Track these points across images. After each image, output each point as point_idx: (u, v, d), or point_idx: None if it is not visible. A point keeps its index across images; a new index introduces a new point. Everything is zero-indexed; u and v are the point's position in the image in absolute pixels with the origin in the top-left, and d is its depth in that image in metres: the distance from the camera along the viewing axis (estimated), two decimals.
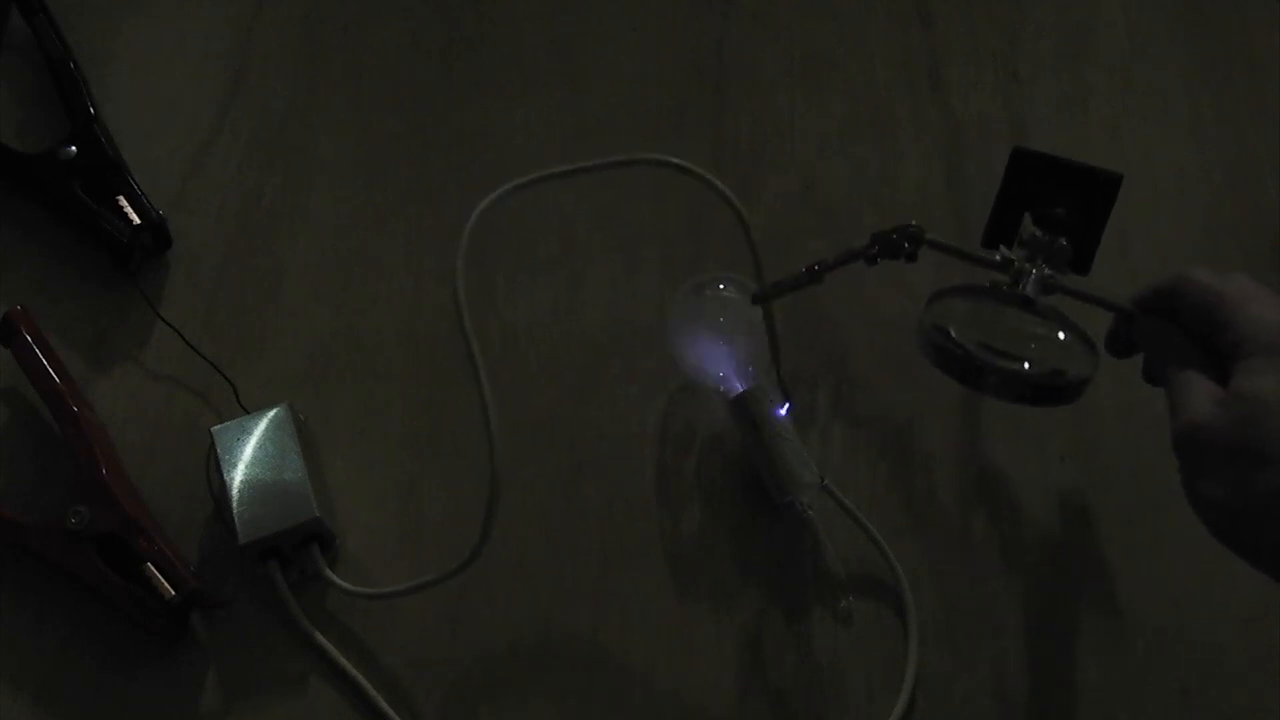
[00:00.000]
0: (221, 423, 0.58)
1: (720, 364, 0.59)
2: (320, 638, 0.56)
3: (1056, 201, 0.51)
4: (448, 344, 0.64)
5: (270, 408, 0.58)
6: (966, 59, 0.72)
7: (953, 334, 0.49)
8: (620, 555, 0.58)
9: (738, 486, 0.60)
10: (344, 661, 0.55)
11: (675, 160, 0.56)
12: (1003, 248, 0.51)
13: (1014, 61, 0.72)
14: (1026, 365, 0.48)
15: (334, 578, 0.55)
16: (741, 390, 0.58)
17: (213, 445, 0.57)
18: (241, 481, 0.55)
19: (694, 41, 0.73)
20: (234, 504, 0.55)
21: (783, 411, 0.58)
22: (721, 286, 0.60)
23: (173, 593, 0.54)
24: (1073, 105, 0.70)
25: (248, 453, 0.56)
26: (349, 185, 0.68)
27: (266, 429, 0.57)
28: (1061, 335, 0.49)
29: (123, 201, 0.64)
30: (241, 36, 0.73)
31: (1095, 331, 0.50)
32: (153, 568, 0.54)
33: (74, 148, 0.65)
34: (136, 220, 0.63)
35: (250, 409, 0.60)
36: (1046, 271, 0.49)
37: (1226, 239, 0.66)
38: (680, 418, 0.61)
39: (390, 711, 0.54)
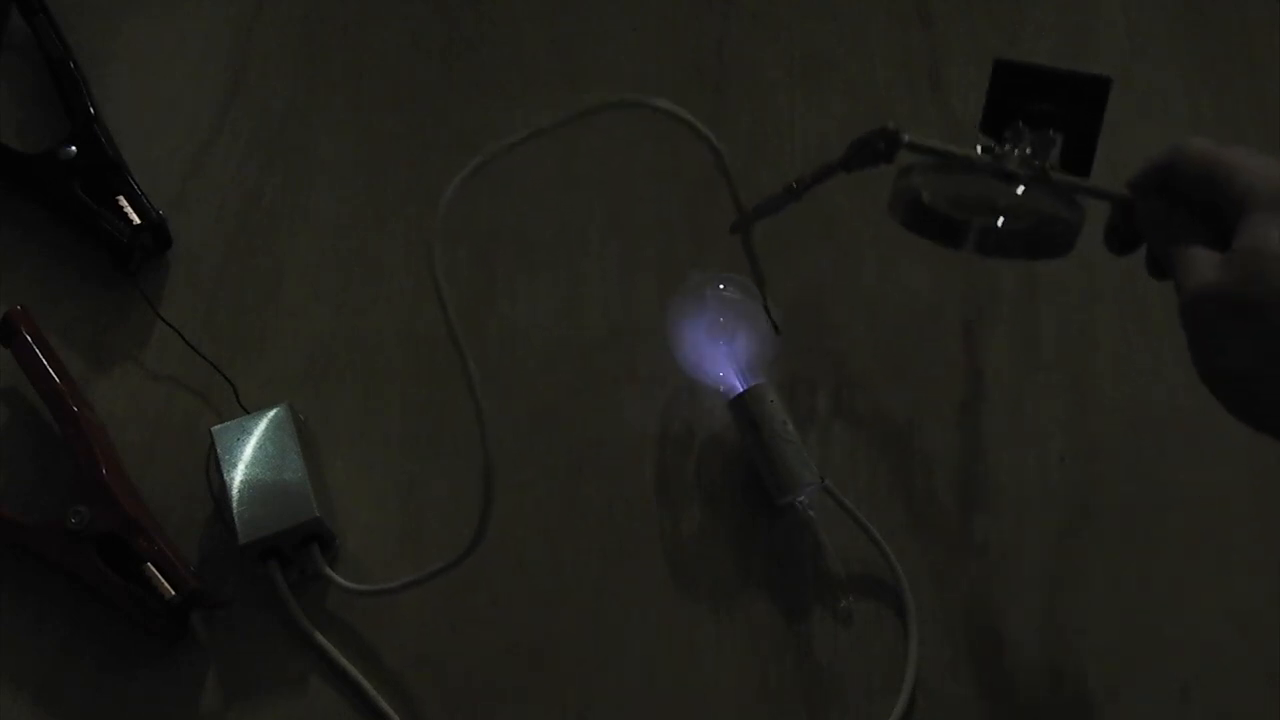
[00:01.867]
0: (221, 423, 0.58)
1: (720, 364, 0.59)
2: (320, 637, 0.56)
3: (1045, 107, 0.48)
4: (448, 344, 0.63)
5: (270, 408, 0.58)
6: (966, 59, 0.72)
7: (924, 198, 0.47)
8: (620, 555, 0.58)
9: (738, 486, 0.60)
10: (344, 661, 0.55)
11: (649, 101, 0.54)
12: (984, 137, 0.49)
13: None
14: (1005, 218, 0.45)
15: (334, 575, 0.55)
16: (741, 390, 0.58)
17: (213, 445, 0.57)
18: (241, 481, 0.55)
19: (694, 41, 0.73)
20: (234, 504, 0.55)
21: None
22: (721, 286, 0.60)
23: (173, 593, 0.54)
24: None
25: (248, 453, 0.56)
26: (349, 185, 0.68)
27: (266, 429, 0.57)
28: (1042, 194, 0.46)
29: (123, 201, 0.64)
30: (241, 36, 0.73)
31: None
32: (153, 568, 0.54)
33: (74, 148, 0.65)
34: (136, 220, 0.63)
35: (250, 409, 0.60)
36: (1030, 153, 0.46)
37: None
38: (680, 418, 0.61)
39: (390, 711, 0.54)
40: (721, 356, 0.59)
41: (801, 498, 0.57)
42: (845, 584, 0.57)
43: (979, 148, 0.48)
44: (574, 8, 0.74)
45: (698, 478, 0.60)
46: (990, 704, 0.55)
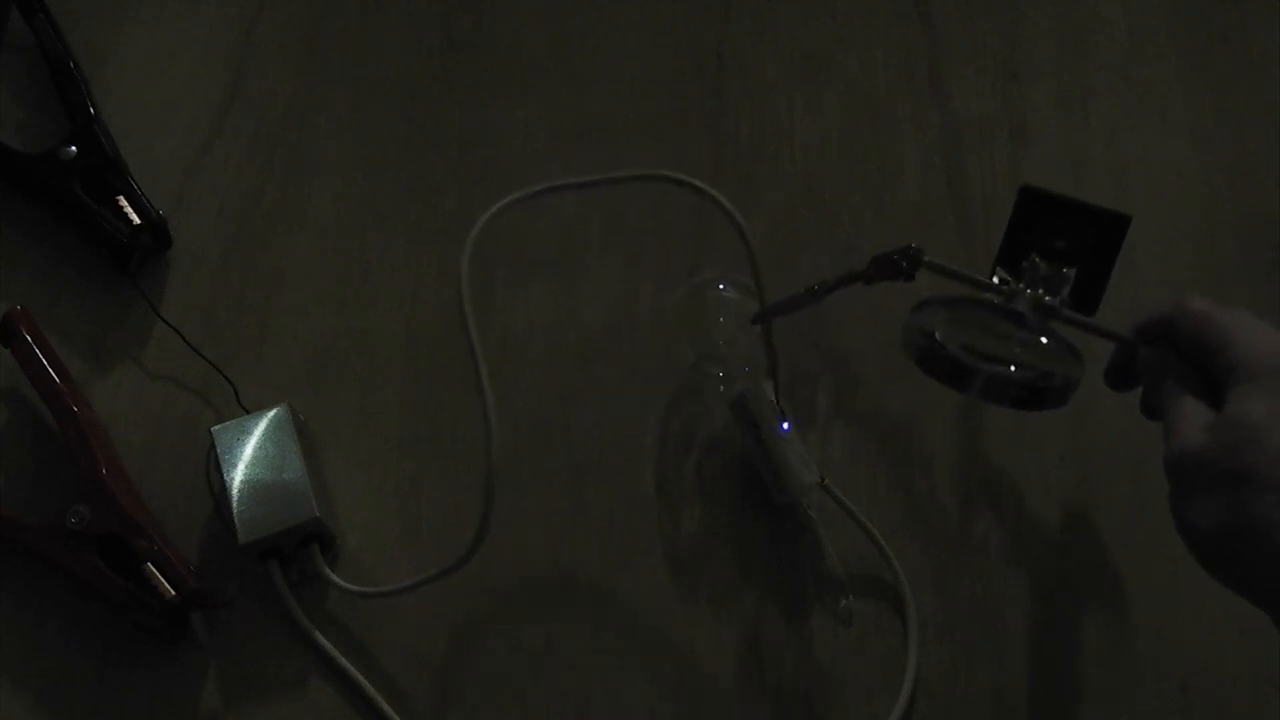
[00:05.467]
0: (221, 423, 0.58)
1: (720, 364, 0.59)
2: (320, 637, 0.56)
3: (1063, 239, 0.51)
4: (448, 344, 0.64)
5: (270, 408, 0.58)
6: (966, 59, 0.72)
7: (937, 336, 0.49)
8: (620, 555, 0.58)
9: (738, 486, 0.60)
10: (344, 661, 0.55)
11: (684, 178, 0.56)
12: (1001, 270, 0.51)
13: (1014, 61, 0.72)
14: (1013, 368, 0.48)
15: (334, 577, 0.55)
16: (741, 390, 0.58)
17: (213, 445, 0.57)
18: (241, 481, 0.55)
19: (694, 41, 0.73)
20: (234, 504, 0.55)
21: (784, 427, 0.57)
22: (721, 287, 0.60)
23: (173, 593, 0.54)
24: (1073, 105, 0.70)
25: (248, 453, 0.56)
26: (349, 185, 0.68)
27: (266, 429, 0.57)
28: (1045, 341, 0.48)
29: (123, 201, 0.64)
30: (241, 36, 0.73)
31: (1097, 363, 0.50)
32: (153, 568, 0.54)
33: (74, 148, 0.65)
34: (136, 220, 0.64)
35: (250, 409, 0.60)
36: (1043, 294, 0.49)
37: (1226, 240, 0.66)
38: (680, 418, 0.61)
39: (390, 711, 0.54)
40: (721, 356, 0.59)
41: (801, 498, 0.57)
42: (845, 584, 0.57)
43: (995, 277, 0.51)
44: (574, 8, 0.74)
45: (698, 478, 0.60)
46: (990, 704, 0.55)
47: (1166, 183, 0.67)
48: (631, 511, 0.59)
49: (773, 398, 0.57)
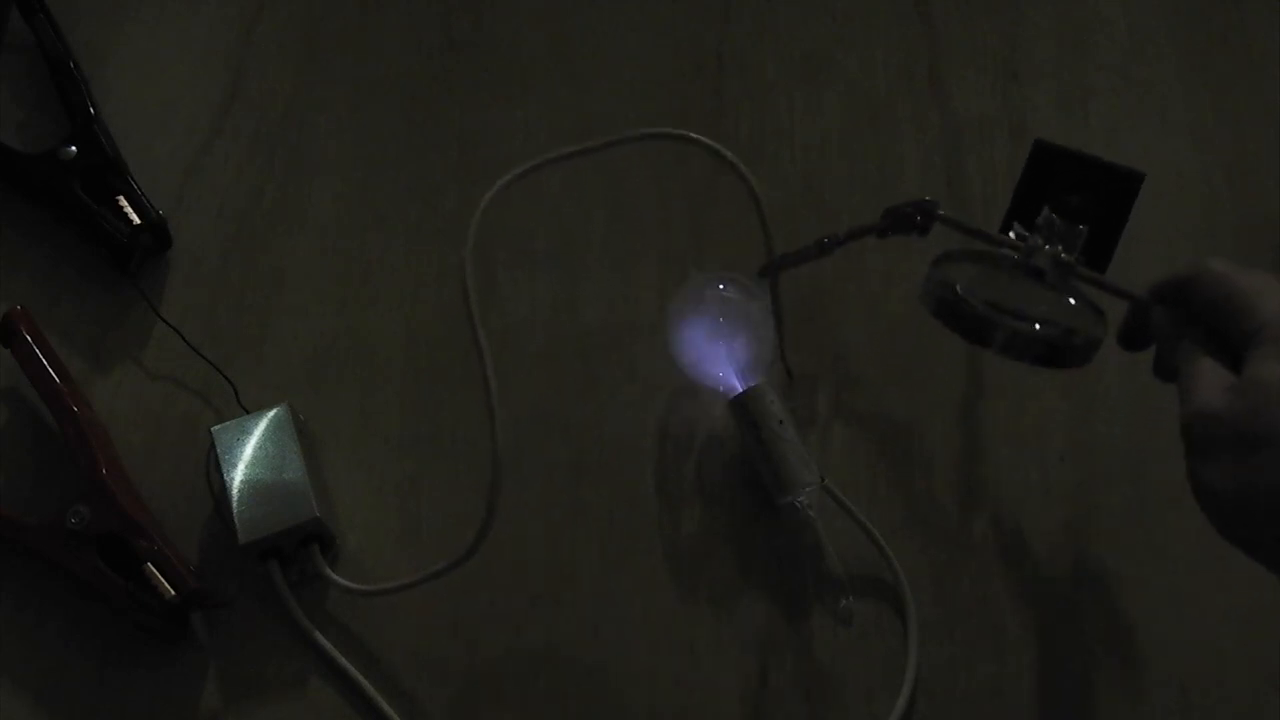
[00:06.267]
0: (221, 423, 0.58)
1: (720, 364, 0.59)
2: (320, 637, 0.56)
3: (1075, 195, 0.50)
4: (448, 344, 0.64)
5: (270, 408, 0.58)
6: (966, 59, 0.72)
7: (959, 289, 0.48)
8: (620, 555, 0.58)
9: (738, 486, 0.60)
10: (344, 661, 0.55)
11: (686, 133, 0.55)
12: (1018, 225, 0.50)
13: (1014, 61, 0.72)
14: (1036, 325, 0.47)
15: (335, 576, 0.55)
16: (741, 390, 0.58)
17: (213, 445, 0.57)
18: (241, 481, 0.55)
19: (694, 41, 0.73)
20: (234, 504, 0.55)
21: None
22: (722, 286, 0.60)
23: (173, 593, 0.54)
24: (1073, 105, 0.70)
25: (248, 453, 0.56)
26: (349, 185, 0.68)
27: (266, 429, 0.57)
28: (1071, 301, 0.47)
29: (123, 201, 0.64)
30: (241, 36, 0.73)
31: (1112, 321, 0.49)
32: (153, 568, 0.54)
33: (74, 148, 0.65)
34: (136, 220, 0.63)
35: (250, 409, 0.60)
36: (1061, 250, 0.48)
37: (1226, 239, 0.66)
38: (680, 418, 0.61)
39: (390, 711, 0.54)
40: (721, 356, 0.59)
41: (801, 498, 0.57)
42: (845, 584, 0.57)
43: (1009, 234, 0.50)
44: (574, 8, 0.74)
45: (698, 478, 0.60)
46: (990, 704, 0.55)
47: (1166, 183, 0.67)
48: (631, 511, 0.59)
49: (780, 358, 0.56)
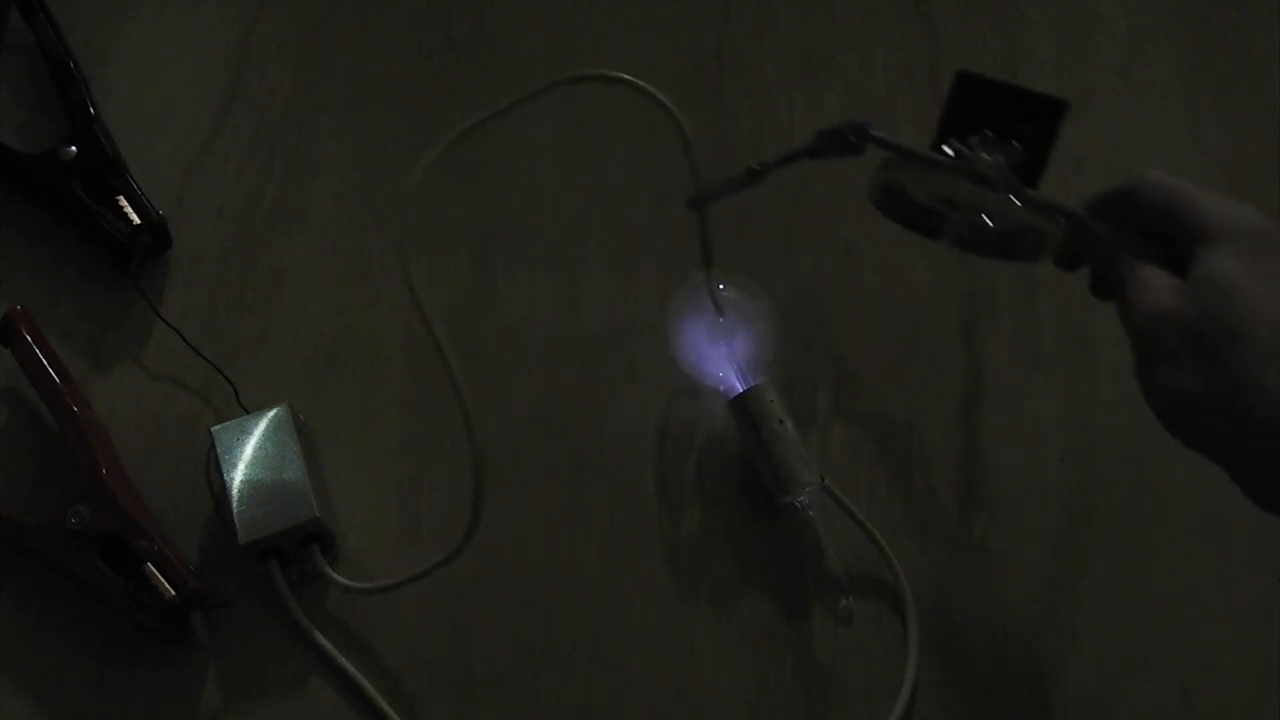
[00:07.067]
0: (221, 423, 0.58)
1: (720, 364, 0.59)
2: (320, 637, 0.56)
3: (1000, 125, 0.50)
4: (447, 344, 0.63)
5: (270, 408, 0.58)
6: (966, 59, 0.72)
7: (908, 186, 0.48)
8: (620, 555, 0.58)
9: (738, 486, 0.60)
10: (344, 661, 0.55)
11: (616, 74, 0.55)
12: (954, 141, 0.50)
13: (1014, 61, 0.72)
14: (989, 217, 0.47)
15: (334, 574, 0.55)
16: (741, 390, 0.58)
17: (213, 445, 0.57)
18: (241, 481, 0.55)
19: (694, 41, 0.73)
20: (234, 504, 0.55)
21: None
22: (721, 286, 0.60)
23: (173, 593, 0.54)
24: (1073, 105, 0.70)
25: (248, 453, 0.56)
26: (349, 185, 0.68)
27: (266, 429, 0.57)
28: (1016, 199, 0.47)
29: (123, 201, 0.64)
30: (241, 36, 0.73)
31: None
32: (153, 568, 0.54)
33: (74, 148, 0.65)
34: (136, 220, 0.63)
35: (250, 409, 0.60)
36: (1001, 160, 0.48)
37: None
38: (680, 418, 0.61)
39: (390, 711, 0.54)
40: (721, 356, 0.59)
41: (801, 498, 0.57)
42: (845, 584, 0.57)
43: (946, 149, 0.49)
44: (574, 8, 0.74)
45: (698, 478, 0.60)
46: (990, 704, 0.55)
47: None
48: (631, 511, 0.59)
49: (707, 290, 0.55)
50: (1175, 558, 0.58)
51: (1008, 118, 0.49)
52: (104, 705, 0.55)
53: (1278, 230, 0.41)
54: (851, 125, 0.49)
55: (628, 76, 0.55)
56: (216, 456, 0.56)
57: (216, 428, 0.57)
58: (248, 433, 0.57)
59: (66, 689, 0.55)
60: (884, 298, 0.65)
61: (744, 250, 0.66)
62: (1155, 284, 0.41)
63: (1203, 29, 0.73)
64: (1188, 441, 0.41)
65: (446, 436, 0.61)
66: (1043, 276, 0.65)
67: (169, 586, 0.54)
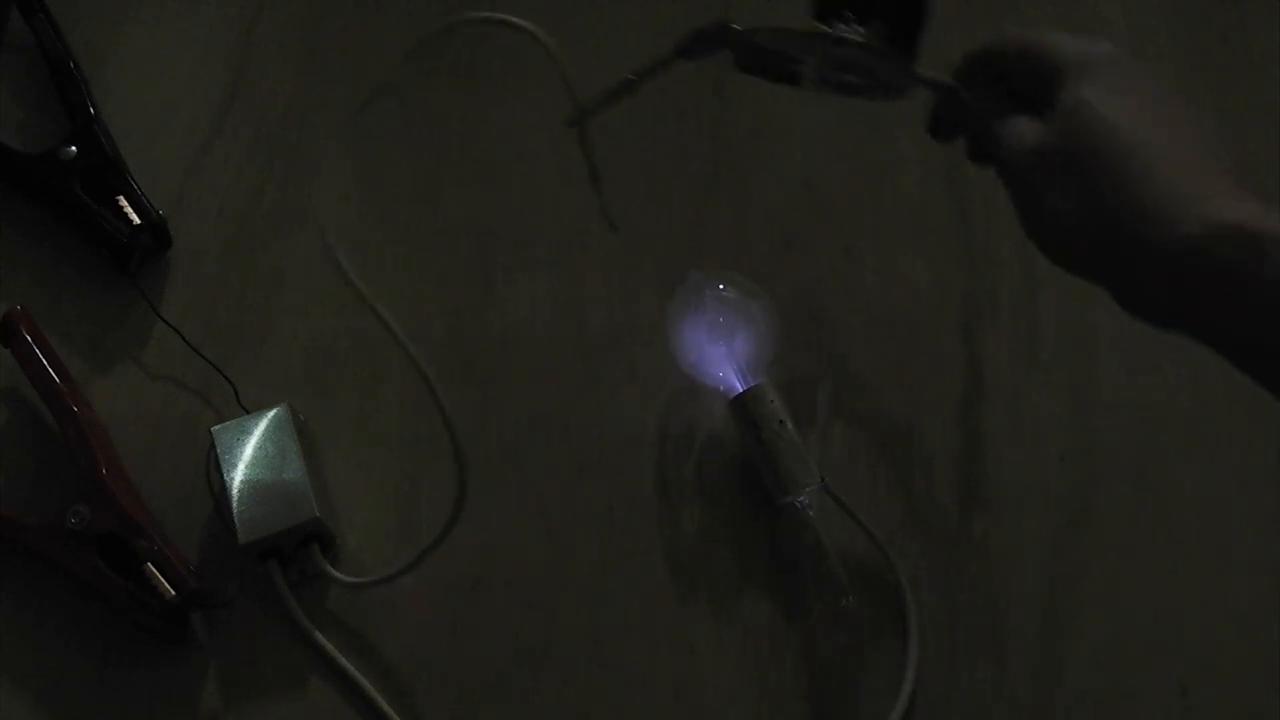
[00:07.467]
0: (221, 423, 0.58)
1: (720, 364, 0.59)
2: (320, 637, 0.56)
3: (868, 7, 0.50)
4: (448, 344, 0.64)
5: (270, 408, 0.58)
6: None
7: (766, 41, 0.49)
8: (620, 555, 0.58)
9: (738, 486, 0.60)
10: (344, 661, 0.55)
11: (492, 15, 0.56)
12: (813, 21, 0.51)
13: None
14: (842, 55, 0.48)
15: (334, 572, 0.56)
16: (741, 390, 0.58)
17: (213, 445, 0.57)
18: (241, 481, 0.55)
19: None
20: (234, 504, 0.55)
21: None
22: (721, 286, 0.60)
23: (173, 593, 0.54)
24: None
25: (248, 453, 0.56)
26: (349, 185, 0.68)
27: (266, 429, 0.57)
28: (875, 46, 0.49)
29: (123, 201, 0.64)
30: (241, 36, 0.73)
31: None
32: (153, 568, 0.54)
33: (74, 148, 0.65)
34: (136, 220, 0.63)
35: (250, 409, 0.60)
36: (860, 30, 0.49)
37: None
38: (680, 418, 0.61)
39: (390, 711, 0.54)
40: (721, 356, 0.59)
41: (801, 498, 0.57)
42: (845, 584, 0.57)
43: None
44: (574, 8, 0.74)
45: (698, 478, 0.60)
46: (990, 704, 0.55)
47: None
48: (631, 511, 0.59)
49: (600, 208, 0.55)
50: (1175, 558, 0.58)
51: (875, 7, 0.50)
52: (104, 705, 0.55)
53: (1125, 55, 0.44)
54: (715, 22, 0.51)
55: (518, 21, 0.56)
56: (216, 456, 0.56)
57: (216, 428, 0.57)
58: (248, 433, 0.57)
59: (66, 689, 0.55)
60: (884, 298, 0.65)
61: (744, 250, 0.66)
62: (1023, 128, 0.44)
63: (1203, 29, 0.73)
64: (1074, 268, 0.43)
65: (446, 436, 0.61)
66: (1043, 276, 0.65)
67: (169, 586, 0.54)
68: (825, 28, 0.50)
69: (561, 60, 0.53)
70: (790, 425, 0.58)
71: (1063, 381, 0.62)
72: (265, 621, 0.56)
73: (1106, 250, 0.41)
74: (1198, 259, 0.38)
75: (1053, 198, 0.42)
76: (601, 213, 0.56)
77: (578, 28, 0.73)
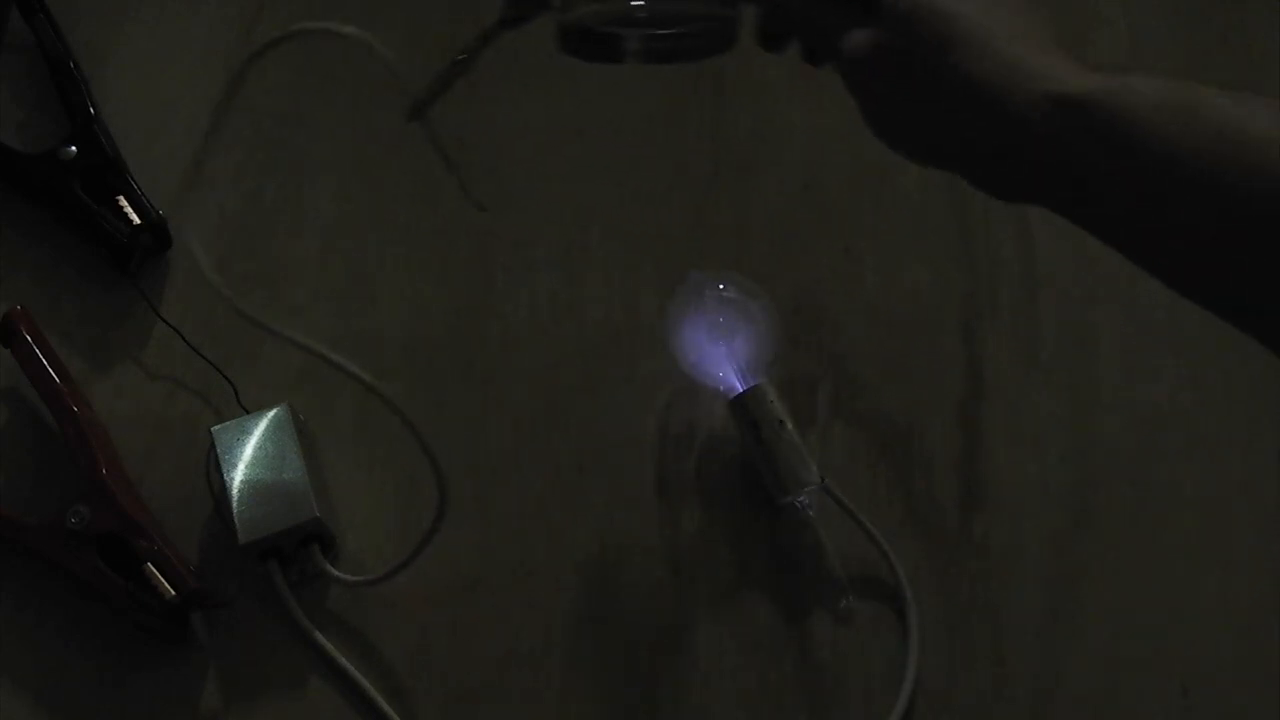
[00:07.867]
0: (221, 423, 0.58)
1: (720, 364, 0.59)
2: (320, 637, 0.56)
3: None
4: (447, 344, 0.64)
5: (270, 408, 0.58)
6: None
7: (584, 21, 0.49)
8: (620, 555, 0.58)
9: (738, 486, 0.60)
10: (344, 661, 0.55)
11: (333, 27, 0.55)
12: None
13: None
14: (661, 26, 0.48)
15: (334, 571, 0.55)
16: (741, 390, 0.58)
17: (213, 445, 0.57)
18: (241, 481, 0.55)
19: None
20: (234, 504, 0.55)
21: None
22: (721, 286, 0.60)
23: (173, 593, 0.54)
24: None
25: (248, 453, 0.56)
26: (349, 185, 0.68)
27: (266, 429, 0.57)
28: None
29: (123, 201, 0.64)
30: (241, 36, 0.73)
31: None
32: (153, 568, 0.54)
33: (74, 148, 0.65)
34: (136, 220, 0.63)
35: (250, 409, 0.60)
36: None
37: None
38: (680, 418, 0.61)
39: (390, 711, 0.54)
40: (721, 356, 0.59)
41: (801, 498, 0.57)
42: (845, 584, 0.57)
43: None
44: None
45: (698, 478, 0.60)
46: (990, 704, 0.55)
47: None
48: (631, 511, 0.59)
49: (469, 199, 0.55)
50: (1175, 558, 0.58)
51: None
52: (104, 705, 0.55)
53: None
54: None
55: (353, 32, 0.55)
56: (216, 456, 0.56)
57: (216, 428, 0.57)
58: (248, 433, 0.57)
59: (66, 689, 0.55)
60: (884, 298, 0.65)
61: (744, 250, 0.66)
62: (856, 32, 0.43)
63: (1203, 29, 0.73)
64: (927, 159, 0.44)
65: (446, 436, 0.61)
66: (1043, 276, 0.65)
67: (169, 586, 0.54)
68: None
69: (387, 59, 0.53)
70: (790, 425, 0.57)
71: (1063, 381, 0.62)
72: (265, 621, 0.56)
73: (954, 133, 0.41)
74: (1045, 129, 0.38)
75: (897, 94, 0.42)
76: (466, 196, 0.56)
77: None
